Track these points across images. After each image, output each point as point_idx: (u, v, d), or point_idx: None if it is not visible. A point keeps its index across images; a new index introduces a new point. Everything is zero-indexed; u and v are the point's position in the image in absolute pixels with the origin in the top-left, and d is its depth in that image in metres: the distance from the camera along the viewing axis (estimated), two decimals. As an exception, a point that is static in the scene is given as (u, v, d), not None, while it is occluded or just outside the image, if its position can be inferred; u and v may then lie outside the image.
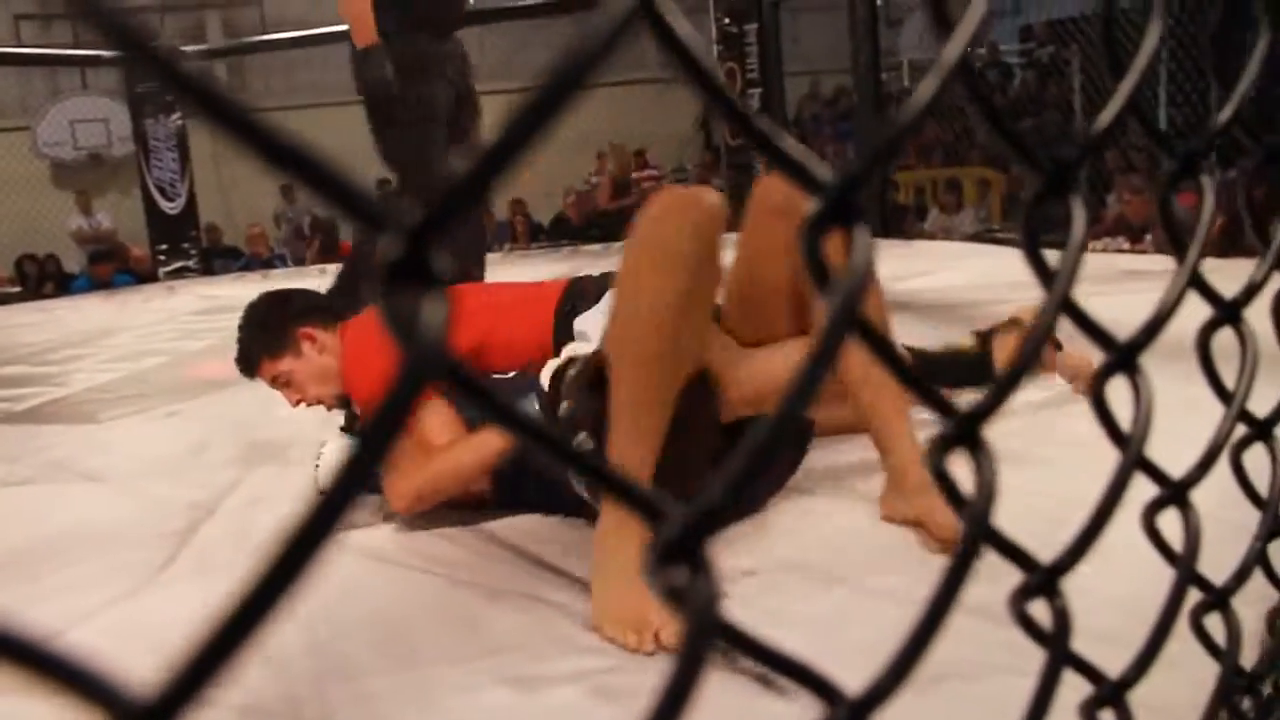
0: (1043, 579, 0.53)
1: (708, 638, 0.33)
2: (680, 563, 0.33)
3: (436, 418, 1.96)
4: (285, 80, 12.95)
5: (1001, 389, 0.45)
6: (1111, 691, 0.62)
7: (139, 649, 1.54)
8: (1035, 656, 0.55)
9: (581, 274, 2.29)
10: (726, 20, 8.26)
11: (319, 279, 8.35)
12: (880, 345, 0.42)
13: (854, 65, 7.21)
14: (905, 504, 1.70)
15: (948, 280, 4.63)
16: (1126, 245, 6.00)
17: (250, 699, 1.36)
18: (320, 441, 2.19)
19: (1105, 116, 0.58)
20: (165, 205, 9.61)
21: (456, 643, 1.47)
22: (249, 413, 3.21)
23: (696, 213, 1.51)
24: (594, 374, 1.62)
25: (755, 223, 1.86)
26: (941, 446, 0.46)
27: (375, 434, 0.26)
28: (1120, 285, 4.07)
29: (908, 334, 3.43)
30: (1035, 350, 0.47)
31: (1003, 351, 2.35)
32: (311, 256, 10.44)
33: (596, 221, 10.12)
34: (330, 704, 1.32)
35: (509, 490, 1.98)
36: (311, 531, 0.25)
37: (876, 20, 7.16)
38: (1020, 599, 0.54)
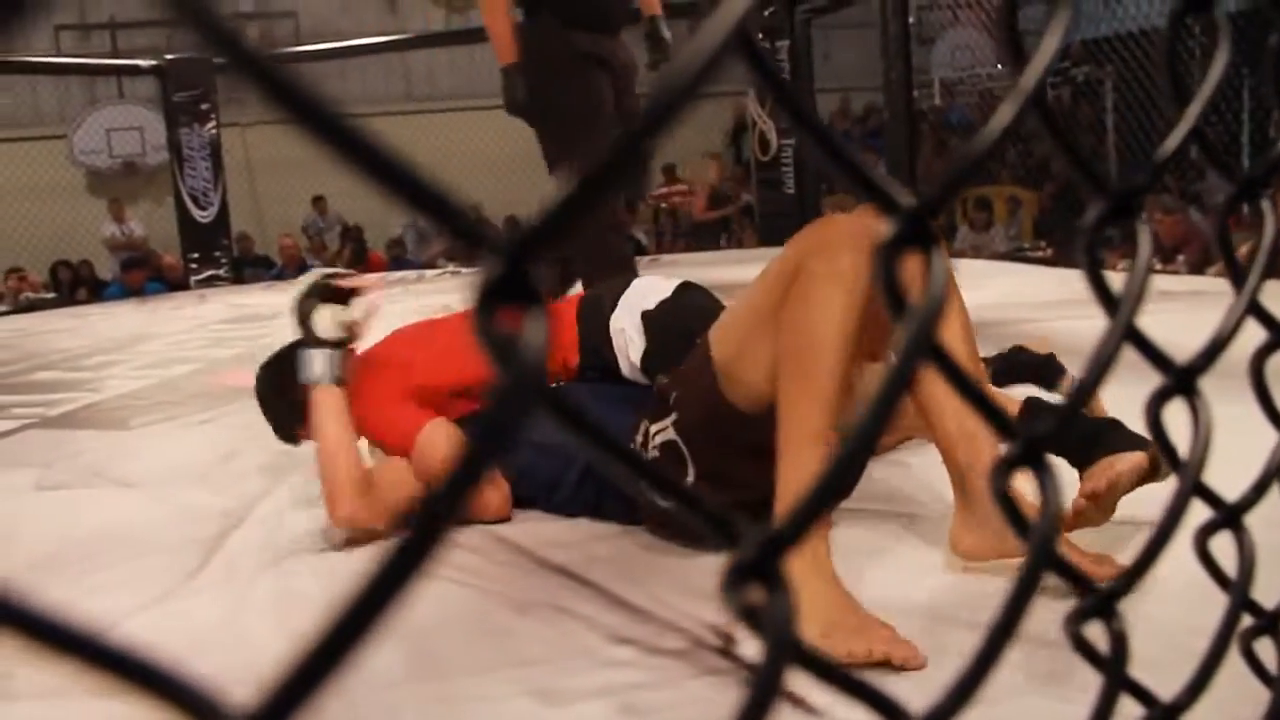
0: (1100, 602, 0.53)
1: (784, 659, 0.33)
2: (756, 582, 0.33)
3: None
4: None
5: (1066, 412, 0.44)
6: (1164, 716, 0.61)
7: (168, 656, 1.56)
8: (1055, 678, 0.55)
9: (586, 293, 2.33)
10: (759, 36, 8.27)
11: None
12: (952, 370, 0.41)
13: (886, 83, 7.20)
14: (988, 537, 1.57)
15: (977, 299, 4.61)
16: (1158, 265, 5.97)
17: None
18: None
19: (1172, 141, 0.57)
20: (198, 214, 9.69)
21: (482, 654, 1.48)
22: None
23: (868, 245, 1.53)
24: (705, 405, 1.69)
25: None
26: (1006, 468, 0.45)
27: (471, 458, 0.26)
28: (1153, 305, 4.04)
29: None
30: (1101, 374, 0.46)
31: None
32: (341, 266, 10.50)
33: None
34: (356, 713, 1.33)
35: (568, 493, 2.01)
36: (407, 556, 0.25)
37: (909, 38, 7.15)
38: (1075, 621, 0.53)
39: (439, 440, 2.00)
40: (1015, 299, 4.44)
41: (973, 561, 1.58)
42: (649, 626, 1.52)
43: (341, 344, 2.05)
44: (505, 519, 2.01)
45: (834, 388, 1.48)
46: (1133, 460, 1.57)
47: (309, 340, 2.03)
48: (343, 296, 2.09)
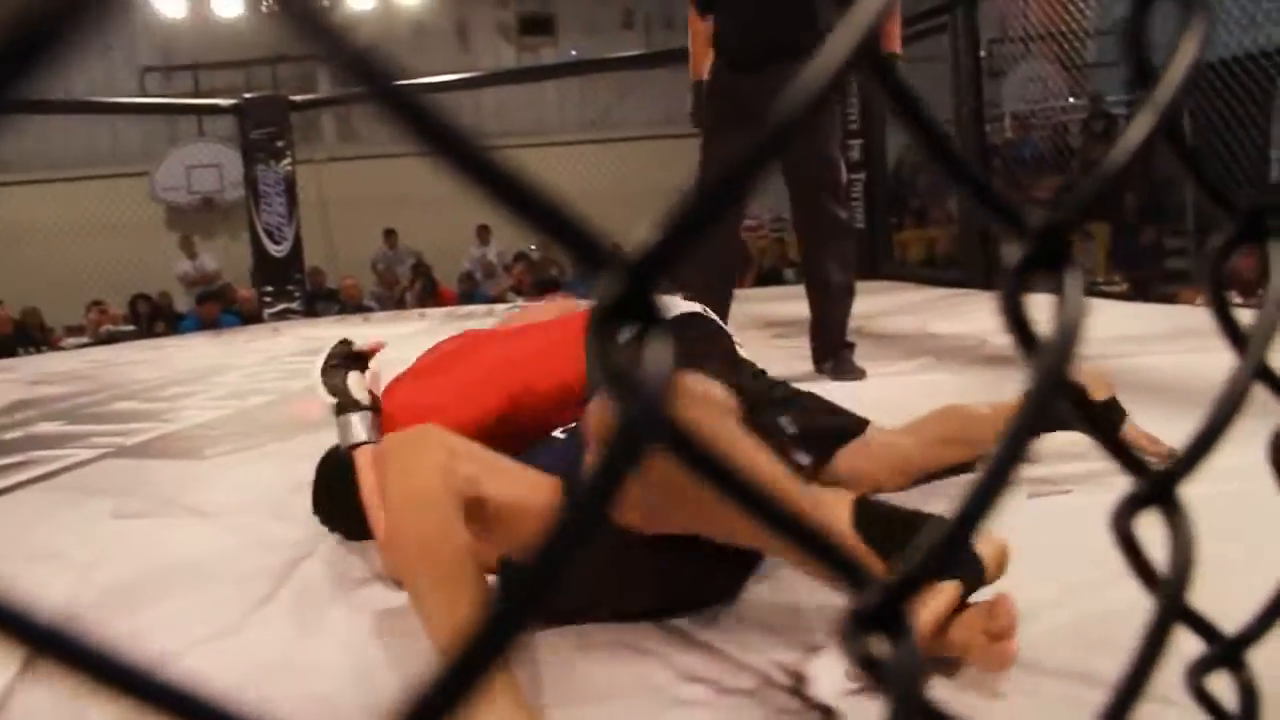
0: (1227, 651, 0.49)
1: (910, 710, 0.31)
2: (879, 631, 0.31)
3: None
4: (388, 127, 13.24)
5: (1199, 447, 0.41)
6: None
7: (239, 684, 1.56)
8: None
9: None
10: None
11: (418, 322, 8.48)
12: (1083, 408, 0.39)
13: (957, 116, 7.14)
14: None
15: (1051, 334, 4.53)
16: (1238, 299, 5.84)
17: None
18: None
19: (1110, 164, 0.52)
20: (272, 248, 9.86)
21: (549, 690, 1.46)
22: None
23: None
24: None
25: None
26: (1130, 508, 0.42)
27: (593, 492, 0.25)
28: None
29: (1013, 389, 3.36)
30: (1233, 409, 0.43)
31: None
32: (412, 300, 10.61)
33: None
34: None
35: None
36: (524, 597, 0.24)
37: (980, 71, 7.10)
38: (1199, 673, 0.49)
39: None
40: (1093, 334, 4.34)
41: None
42: (719, 664, 1.49)
43: (372, 407, 2.08)
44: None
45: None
46: (947, 597, 1.35)
47: (348, 406, 2.07)
48: (363, 361, 2.17)
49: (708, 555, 1.54)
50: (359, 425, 2.06)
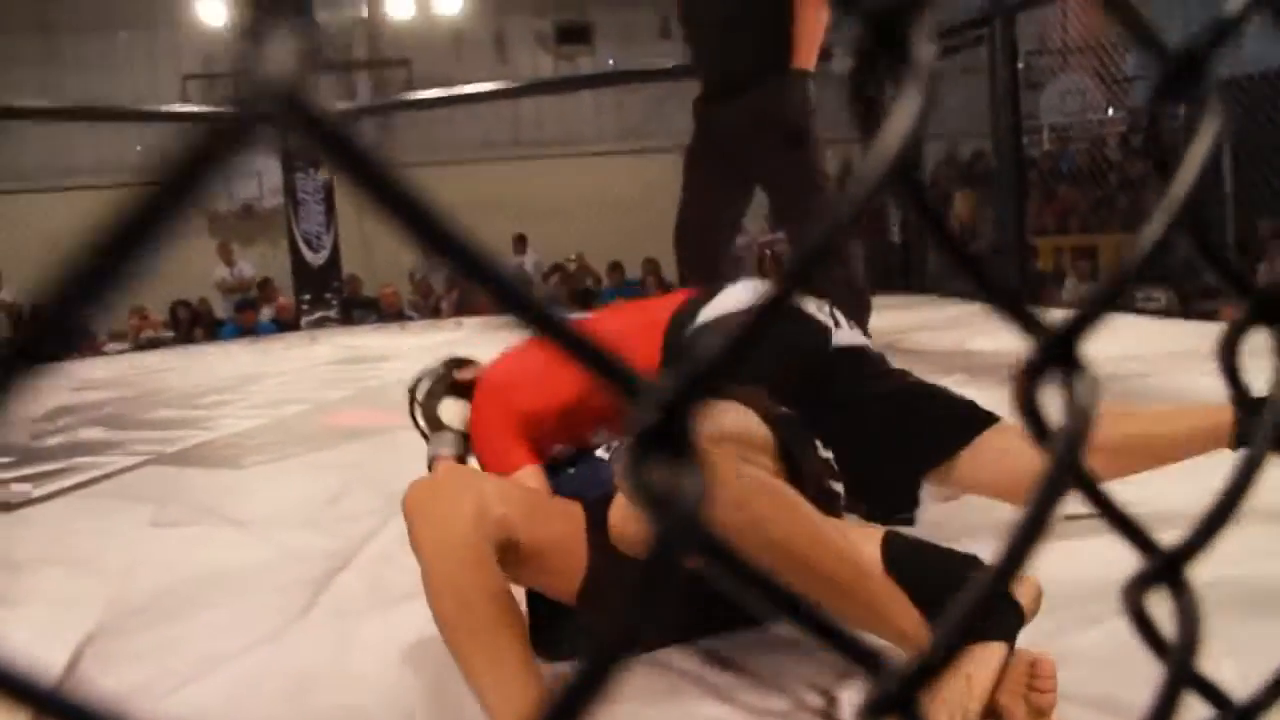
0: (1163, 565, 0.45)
1: None
2: (896, 717, 0.32)
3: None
4: (428, 136, 13.37)
5: (1213, 521, 0.41)
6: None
7: (276, 695, 1.59)
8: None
9: (678, 310, 2.16)
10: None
11: (455, 331, 8.53)
12: (1095, 496, 0.40)
13: (994, 129, 7.11)
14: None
15: (1090, 350, 4.50)
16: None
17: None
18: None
19: (1131, 259, 0.48)
20: (310, 256, 9.95)
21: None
22: (385, 464, 3.28)
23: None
24: None
25: None
26: (1140, 585, 0.43)
27: (631, 610, 0.26)
28: (1268, 361, 3.90)
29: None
30: (1241, 494, 0.43)
31: None
32: (447, 310, 10.67)
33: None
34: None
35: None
36: (594, 672, 0.25)
37: (1017, 83, 7.06)
38: (1136, 589, 0.46)
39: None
40: (1131, 351, 4.32)
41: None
42: (752, 686, 1.50)
43: (464, 434, 2.11)
44: None
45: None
46: (994, 661, 1.33)
47: (439, 430, 2.11)
48: (464, 390, 2.16)
49: None
50: (449, 444, 2.11)
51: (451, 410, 2.15)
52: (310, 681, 1.65)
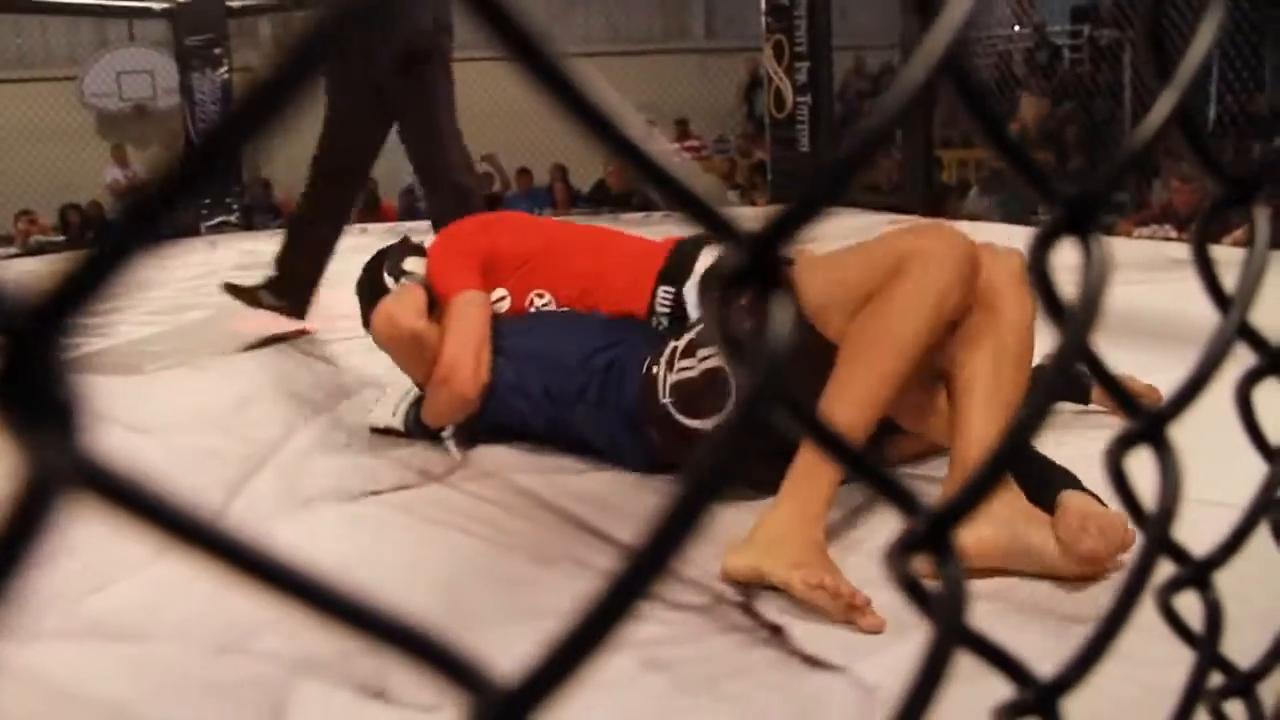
0: (1195, 571, 0.51)
1: (955, 632, 0.32)
2: (925, 553, 0.33)
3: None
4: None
5: (1193, 386, 0.43)
6: None
7: (197, 596, 1.58)
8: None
9: (685, 238, 2.27)
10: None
11: (360, 237, 8.38)
12: (1100, 371, 0.41)
13: (902, 41, 7.14)
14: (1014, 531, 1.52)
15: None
16: (1174, 233, 5.94)
17: (301, 652, 1.38)
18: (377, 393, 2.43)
19: (1138, 138, 0.46)
20: (208, 159, 9.65)
21: (505, 605, 1.49)
22: (292, 367, 3.25)
23: (970, 270, 1.66)
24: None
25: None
26: (1122, 445, 0.45)
27: (715, 464, 0.26)
28: (1170, 274, 4.04)
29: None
30: (1218, 362, 0.45)
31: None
32: (353, 215, 10.47)
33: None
34: (380, 661, 1.34)
35: (567, 424, 2.09)
36: (679, 517, 0.25)
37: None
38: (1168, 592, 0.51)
39: (466, 310, 2.16)
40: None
41: (979, 561, 1.48)
42: (670, 582, 1.53)
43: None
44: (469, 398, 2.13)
45: (885, 391, 1.57)
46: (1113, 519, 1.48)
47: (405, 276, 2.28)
48: (423, 251, 2.36)
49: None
50: (413, 280, 2.25)
51: (415, 264, 2.28)
52: (227, 588, 1.64)
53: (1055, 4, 10.93)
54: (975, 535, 1.47)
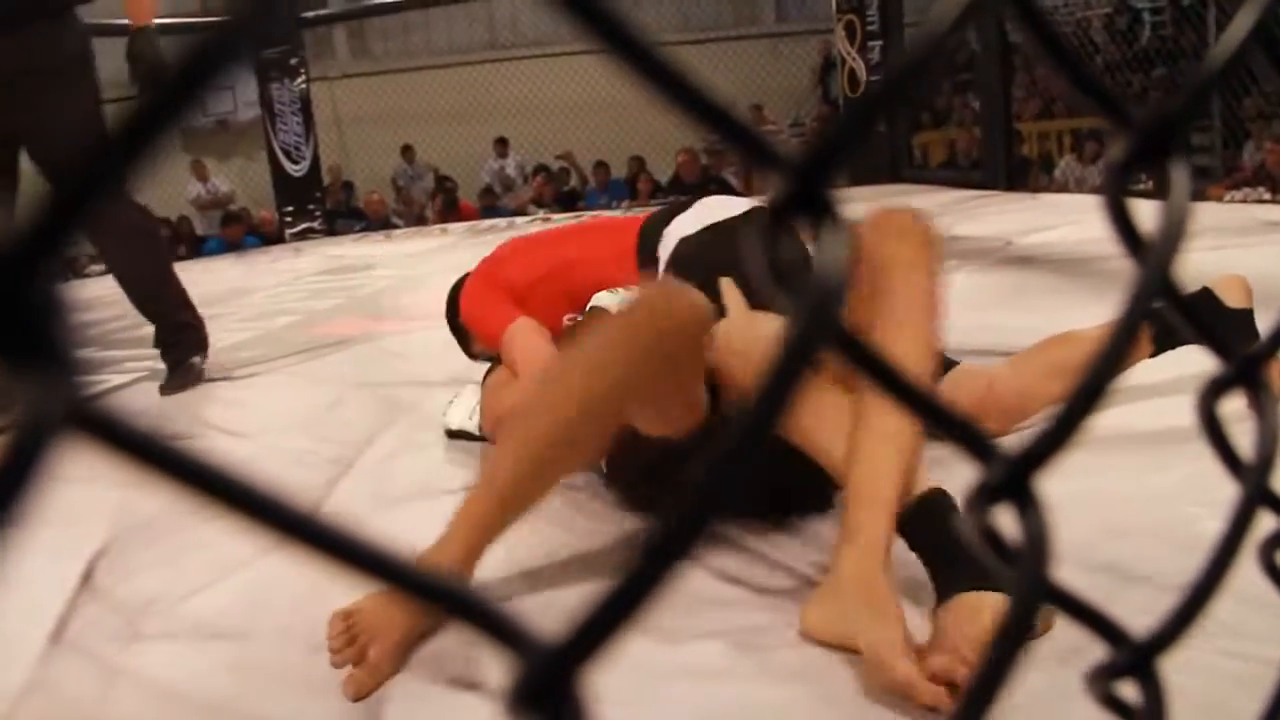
0: (1135, 657, 0.40)
1: (1040, 580, 0.31)
2: (1005, 502, 0.32)
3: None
4: (403, 42, 13.13)
5: (1062, 426, 0.35)
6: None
7: (289, 600, 1.61)
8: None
9: (646, 220, 2.24)
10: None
11: (441, 237, 8.46)
12: (1185, 307, 0.38)
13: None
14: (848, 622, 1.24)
15: (1078, 234, 4.50)
16: (1267, 195, 5.77)
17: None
18: (454, 392, 2.46)
19: (1215, 57, 0.42)
20: (291, 168, 9.84)
21: (587, 594, 1.49)
22: (379, 369, 3.30)
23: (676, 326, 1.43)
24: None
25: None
26: (1216, 389, 0.42)
27: (774, 388, 0.25)
28: (1263, 236, 3.92)
29: (1037, 290, 3.36)
30: (1114, 362, 0.39)
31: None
32: (433, 215, 10.58)
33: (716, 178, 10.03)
34: (475, 654, 1.36)
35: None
36: (718, 481, 0.25)
37: (1001, -33, 6.94)
38: (1104, 678, 0.41)
39: (520, 340, 2.14)
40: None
41: (814, 638, 1.30)
42: (759, 567, 1.52)
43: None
44: None
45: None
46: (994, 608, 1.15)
47: None
48: None
49: (807, 462, 1.48)
50: None
51: None
52: (321, 585, 1.67)
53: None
54: (812, 613, 1.30)
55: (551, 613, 1.45)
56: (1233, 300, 1.98)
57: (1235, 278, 2.03)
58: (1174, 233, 0.35)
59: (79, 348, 0.20)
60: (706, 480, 0.25)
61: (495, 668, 1.31)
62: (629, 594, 0.24)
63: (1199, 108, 0.37)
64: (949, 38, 0.28)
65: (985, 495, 0.32)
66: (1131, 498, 1.61)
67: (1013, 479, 0.32)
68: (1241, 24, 0.38)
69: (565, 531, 1.75)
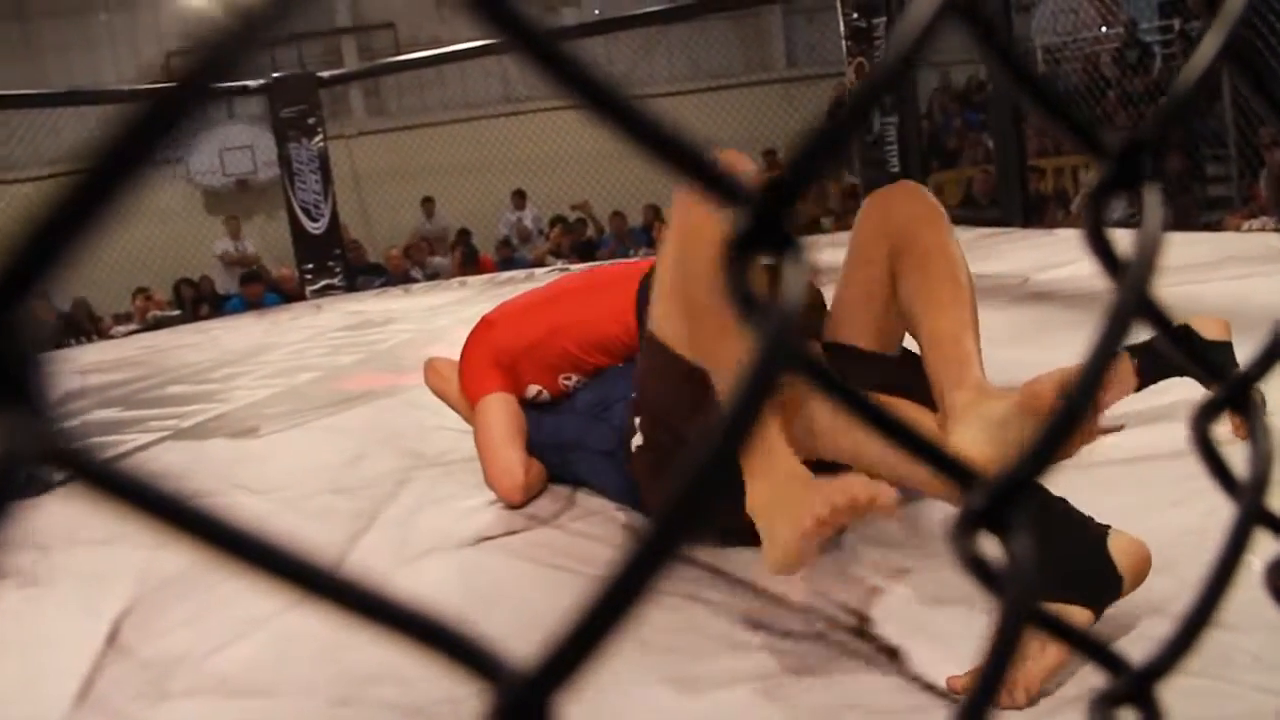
0: (1134, 683, 0.40)
1: (1025, 605, 0.31)
2: (988, 531, 0.32)
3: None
4: (418, 99, 13.28)
5: (1040, 454, 0.35)
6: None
7: (311, 655, 1.61)
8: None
9: (648, 272, 2.27)
10: (855, 15, 8.16)
11: (458, 290, 8.51)
12: (1166, 328, 0.39)
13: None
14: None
15: (1092, 268, 4.47)
16: (1272, 224, 5.75)
17: (415, 701, 1.40)
18: None
19: (1185, 80, 0.42)
20: (310, 226, 9.92)
21: (617, 642, 1.49)
22: (401, 423, 3.31)
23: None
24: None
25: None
26: (1209, 412, 0.42)
27: (736, 415, 0.25)
28: (1272, 265, 3.91)
29: (1056, 325, 3.35)
30: (1091, 389, 0.37)
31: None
32: (452, 268, 10.65)
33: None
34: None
35: (560, 464, 2.23)
36: (685, 507, 0.25)
37: (1009, 6, 6.99)
38: (1104, 706, 0.41)
39: (487, 416, 2.29)
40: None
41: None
42: (780, 611, 1.52)
43: None
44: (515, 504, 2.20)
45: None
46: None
47: None
48: None
49: None
50: None
51: None
52: (344, 640, 1.67)
53: (1143, 1, 10.69)
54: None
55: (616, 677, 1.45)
56: (1210, 334, 1.99)
57: (1214, 318, 2.03)
58: (1148, 255, 0.36)
59: (52, 388, 0.20)
60: (670, 506, 0.25)
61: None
62: (597, 620, 0.25)
63: (1172, 132, 0.38)
64: (894, 72, 0.29)
65: (969, 522, 0.33)
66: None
67: (995, 506, 0.32)
68: (1208, 47, 0.39)
69: (551, 557, 1.75)
